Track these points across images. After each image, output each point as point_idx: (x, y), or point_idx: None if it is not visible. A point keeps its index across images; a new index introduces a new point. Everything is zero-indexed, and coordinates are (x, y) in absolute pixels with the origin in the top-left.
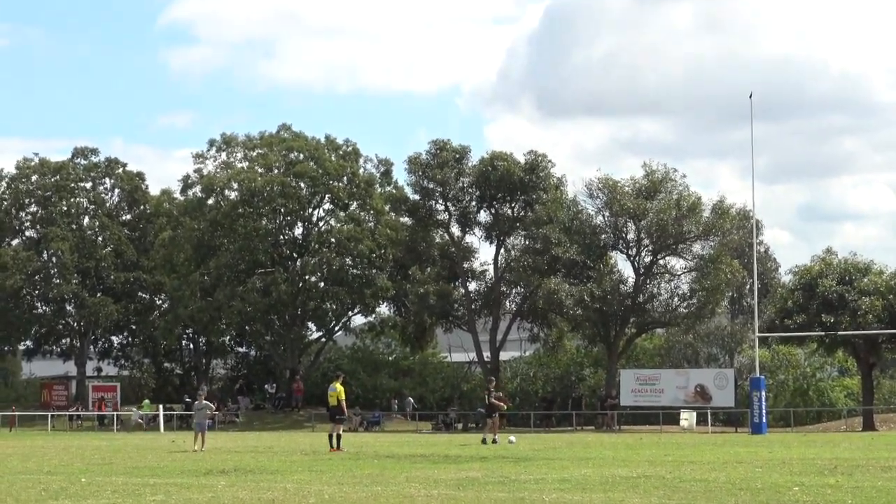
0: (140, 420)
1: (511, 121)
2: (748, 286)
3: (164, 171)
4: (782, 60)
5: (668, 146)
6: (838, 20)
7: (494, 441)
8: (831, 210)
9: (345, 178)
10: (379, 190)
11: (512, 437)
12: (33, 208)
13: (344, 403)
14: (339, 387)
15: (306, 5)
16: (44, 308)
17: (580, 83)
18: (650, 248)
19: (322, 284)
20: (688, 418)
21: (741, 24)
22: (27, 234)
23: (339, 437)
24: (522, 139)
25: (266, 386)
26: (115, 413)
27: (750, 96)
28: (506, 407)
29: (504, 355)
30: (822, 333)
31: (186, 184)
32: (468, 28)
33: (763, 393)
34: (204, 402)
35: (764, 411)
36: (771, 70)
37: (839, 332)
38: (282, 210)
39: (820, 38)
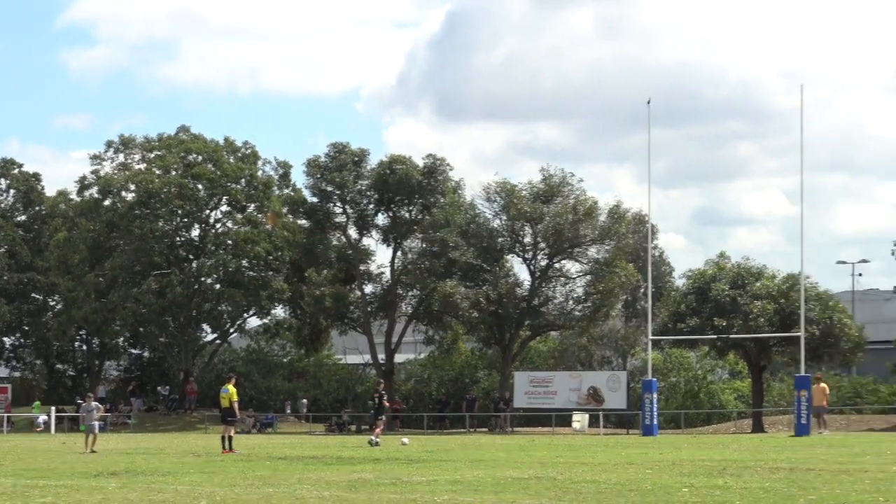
0: (43, 424)
1: (410, 124)
2: (642, 290)
3: (61, 172)
4: (681, 66)
5: (567, 151)
6: (736, 27)
7: (377, 443)
8: (725, 215)
9: (243, 180)
10: (277, 192)
11: (405, 439)
12: None
13: (236, 405)
14: (231, 388)
15: (207, 7)
16: None
17: (479, 87)
18: (546, 251)
19: (218, 286)
20: (580, 420)
21: (640, 30)
22: None
23: (231, 438)
24: (421, 143)
25: (159, 387)
26: (6, 414)
27: (648, 102)
28: (389, 408)
29: (399, 357)
30: (715, 337)
31: (83, 185)
32: (369, 31)
33: (655, 395)
34: (93, 403)
35: (655, 413)
36: (669, 76)
37: (731, 336)
38: (179, 211)
39: (718, 45)
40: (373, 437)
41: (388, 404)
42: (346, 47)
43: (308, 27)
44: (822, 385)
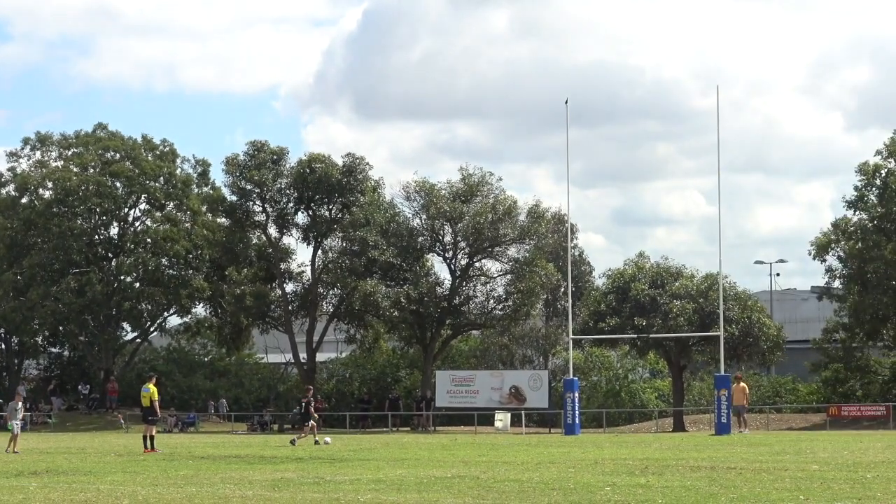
0: None
1: (328, 123)
2: (562, 289)
3: None
4: (597, 67)
5: (485, 150)
6: (652, 28)
7: (315, 442)
8: (644, 214)
9: (161, 178)
10: (196, 190)
11: (327, 438)
12: None
13: (157, 404)
14: (152, 388)
15: (123, 2)
16: None
17: (397, 86)
18: (466, 250)
19: (137, 285)
20: (502, 419)
21: (557, 30)
22: None
23: (153, 438)
24: (340, 141)
25: (80, 387)
26: None
27: (566, 102)
28: (317, 417)
29: (321, 356)
30: (635, 336)
31: None
32: (287, 29)
33: (576, 394)
34: (20, 403)
35: (577, 412)
36: (585, 76)
37: (651, 335)
38: (97, 210)
39: (633, 46)
40: (294, 438)
41: (315, 413)
42: (264, 45)
43: (225, 24)
44: (742, 384)
